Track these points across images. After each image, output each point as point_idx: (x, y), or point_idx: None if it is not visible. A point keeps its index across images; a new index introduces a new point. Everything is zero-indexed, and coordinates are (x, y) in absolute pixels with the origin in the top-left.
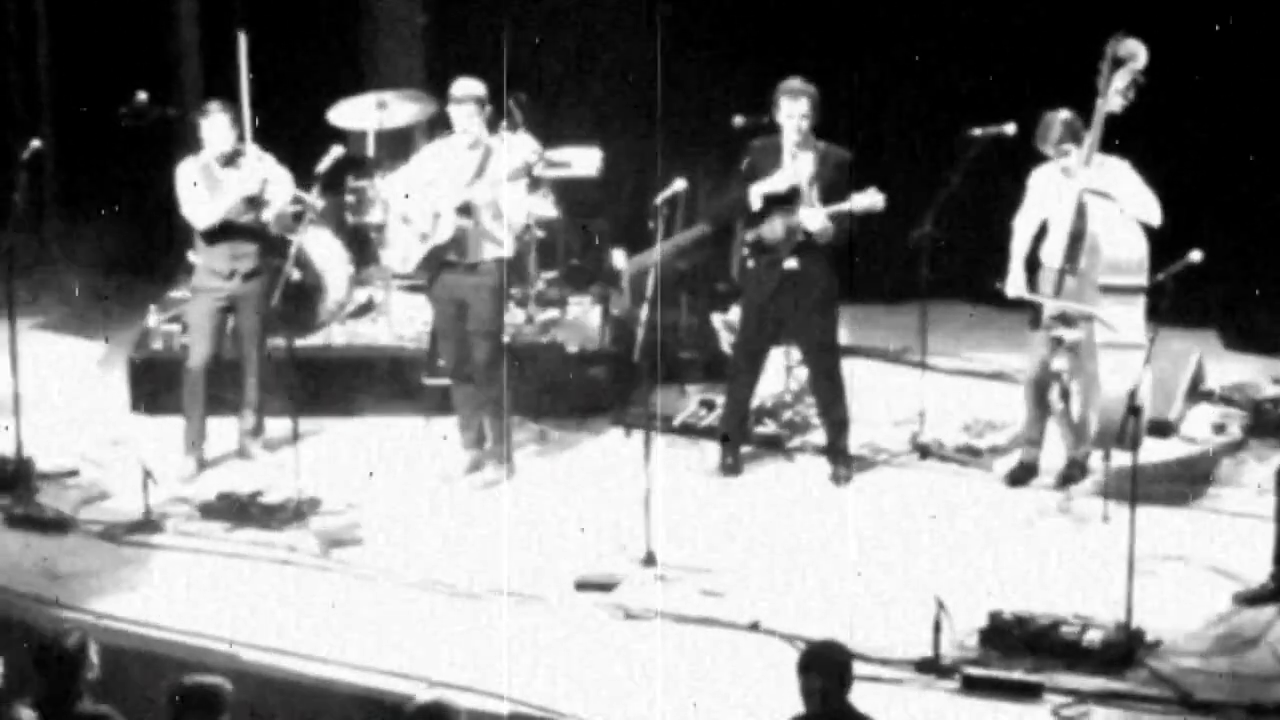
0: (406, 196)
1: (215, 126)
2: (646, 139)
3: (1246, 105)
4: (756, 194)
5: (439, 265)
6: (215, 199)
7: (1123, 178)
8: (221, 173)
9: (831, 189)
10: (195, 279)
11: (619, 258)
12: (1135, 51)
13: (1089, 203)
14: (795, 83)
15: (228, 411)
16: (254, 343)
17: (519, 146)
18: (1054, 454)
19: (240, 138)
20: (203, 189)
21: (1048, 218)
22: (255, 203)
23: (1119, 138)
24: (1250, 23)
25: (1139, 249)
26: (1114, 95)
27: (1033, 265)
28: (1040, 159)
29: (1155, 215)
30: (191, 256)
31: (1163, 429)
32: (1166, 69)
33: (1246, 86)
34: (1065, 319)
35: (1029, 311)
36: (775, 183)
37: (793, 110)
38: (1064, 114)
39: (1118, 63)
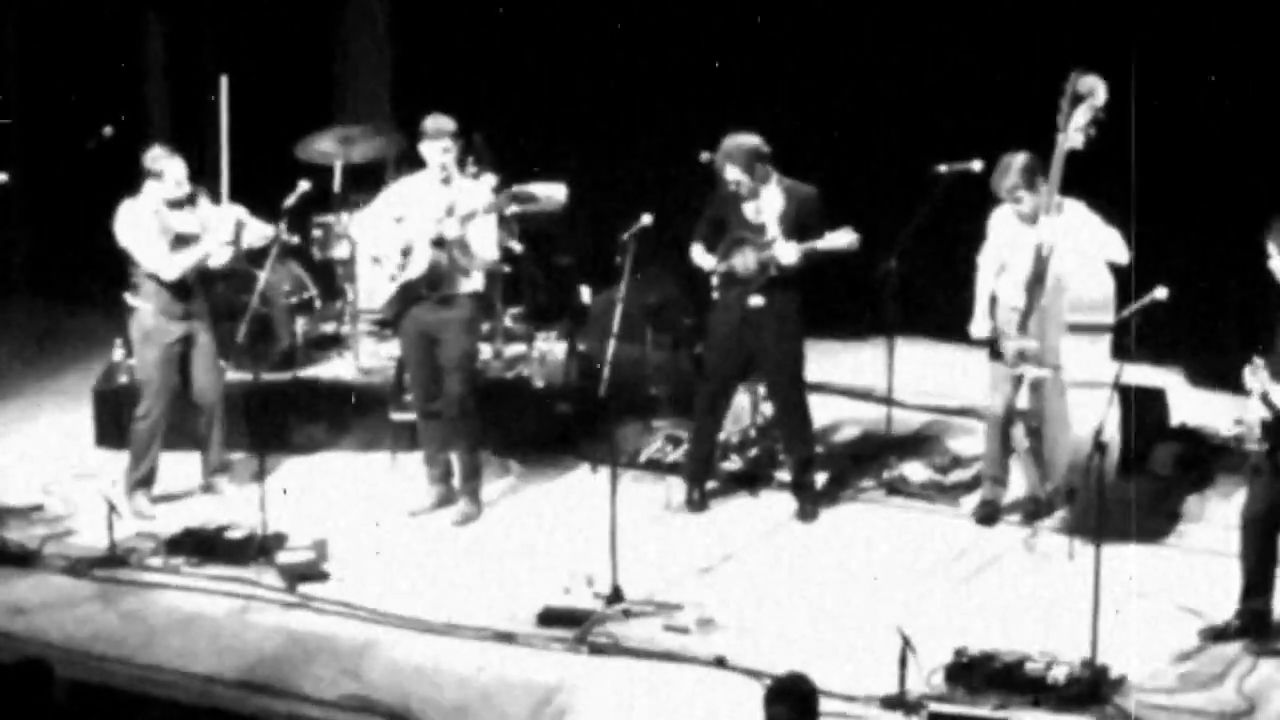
0: (374, 241)
1: (175, 168)
2: (613, 174)
3: (1213, 140)
4: (699, 263)
5: (410, 299)
6: (187, 249)
7: (1083, 222)
8: (174, 217)
9: (799, 225)
10: (145, 322)
11: (585, 293)
12: (1094, 87)
13: (1054, 245)
14: (730, 145)
15: (192, 446)
16: (211, 378)
17: (482, 184)
18: (1021, 490)
19: (193, 182)
20: (159, 236)
21: (1006, 258)
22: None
23: (1085, 174)
24: (1217, 58)
25: (1106, 286)
26: (1074, 132)
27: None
28: (976, 196)
29: (1122, 254)
30: (131, 300)
31: (1131, 465)
32: (1131, 104)
33: (1213, 122)
34: (1029, 356)
35: (989, 346)
36: (745, 262)
37: (730, 176)
38: (1021, 158)
39: (1077, 99)
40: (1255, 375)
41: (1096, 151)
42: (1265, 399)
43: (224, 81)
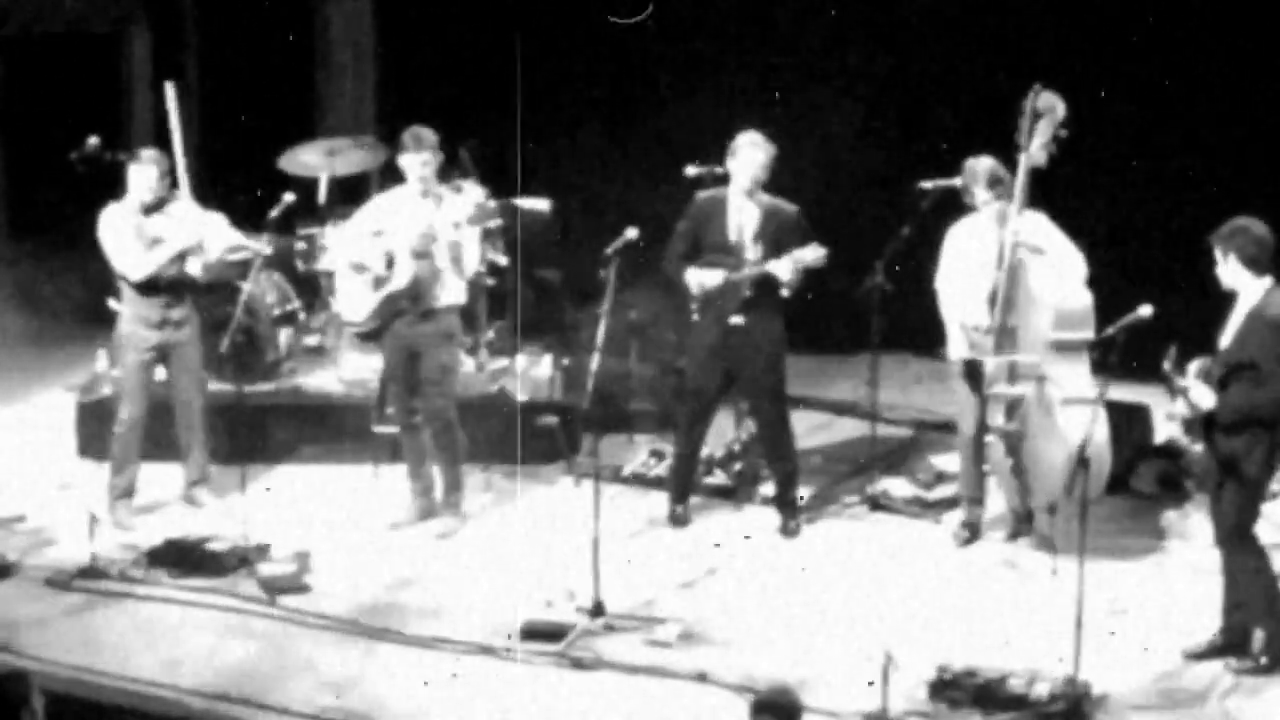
0: (354, 253)
1: (144, 174)
2: (599, 189)
3: (1200, 157)
4: (694, 282)
5: (392, 313)
6: (154, 250)
7: (1046, 231)
8: (149, 222)
9: (776, 243)
10: (123, 328)
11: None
12: (1053, 104)
13: (1024, 258)
14: (758, 136)
15: (173, 457)
16: (193, 390)
17: (469, 195)
18: (1001, 507)
19: (170, 187)
20: (133, 239)
21: (970, 272)
22: (183, 254)
23: (1070, 188)
24: (1200, 69)
25: (1084, 300)
26: (1037, 150)
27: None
28: (960, 213)
29: (1081, 268)
30: (114, 305)
31: (1116, 482)
32: (1109, 118)
33: (1197, 135)
34: (1008, 375)
35: (956, 365)
36: (713, 277)
37: (752, 160)
38: (986, 161)
39: (1037, 116)
40: (1175, 369)
41: (1068, 170)
42: (1185, 394)
43: (169, 89)
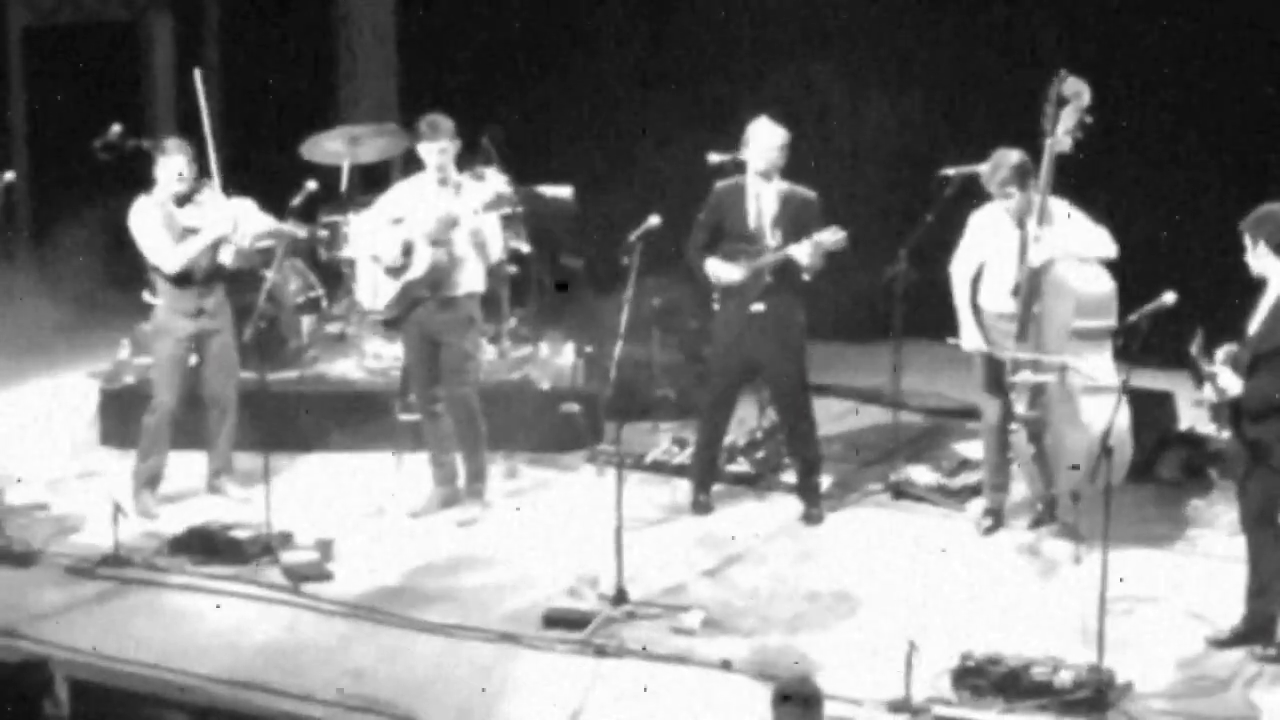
0: (373, 242)
1: (172, 164)
2: (621, 175)
3: (1227, 143)
4: (714, 274)
5: (412, 301)
6: (187, 241)
7: (1068, 219)
8: (181, 213)
9: (795, 229)
10: (159, 319)
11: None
12: (1079, 90)
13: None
14: (770, 121)
15: (197, 446)
16: (226, 378)
17: (490, 182)
18: (1024, 493)
19: (197, 176)
20: (165, 231)
21: (987, 260)
22: (216, 242)
23: (1091, 175)
24: (1228, 53)
25: (1106, 287)
26: (1063, 135)
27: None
28: (984, 199)
29: (1110, 249)
30: (148, 298)
31: (1140, 470)
32: (1135, 103)
33: (1224, 120)
34: (1027, 363)
35: (976, 356)
36: (732, 273)
37: (765, 145)
38: (1015, 156)
39: (1063, 102)
40: (1201, 354)
41: (1093, 155)
42: (1212, 380)
43: (199, 77)
